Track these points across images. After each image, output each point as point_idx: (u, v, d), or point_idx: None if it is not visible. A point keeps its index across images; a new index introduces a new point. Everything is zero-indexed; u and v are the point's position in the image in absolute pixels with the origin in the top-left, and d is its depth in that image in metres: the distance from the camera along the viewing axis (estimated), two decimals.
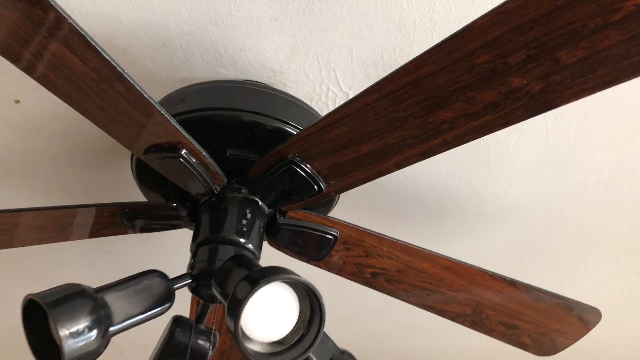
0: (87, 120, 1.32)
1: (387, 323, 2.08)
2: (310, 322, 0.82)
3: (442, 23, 1.07)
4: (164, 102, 1.13)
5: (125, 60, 1.18)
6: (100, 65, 0.81)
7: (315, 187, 1.01)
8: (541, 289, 1.29)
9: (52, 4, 0.73)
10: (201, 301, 1.09)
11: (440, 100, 0.84)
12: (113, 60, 0.81)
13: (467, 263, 1.24)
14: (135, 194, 1.54)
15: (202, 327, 1.07)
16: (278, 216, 1.14)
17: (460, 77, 0.80)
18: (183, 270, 1.84)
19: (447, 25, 1.08)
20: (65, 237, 1.19)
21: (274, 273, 0.77)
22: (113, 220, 1.14)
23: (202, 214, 1.08)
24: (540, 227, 1.55)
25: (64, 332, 0.80)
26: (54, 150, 1.43)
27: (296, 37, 1.11)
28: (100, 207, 1.11)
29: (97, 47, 0.78)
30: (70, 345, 0.80)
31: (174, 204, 1.12)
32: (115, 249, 1.85)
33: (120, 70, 0.82)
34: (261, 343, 0.81)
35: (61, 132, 1.38)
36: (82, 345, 0.81)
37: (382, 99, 0.86)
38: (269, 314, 0.80)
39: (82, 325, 0.82)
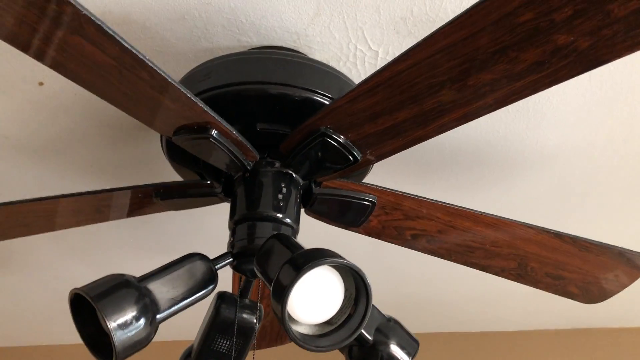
0: None
1: (426, 272, 2.08)
2: (356, 301, 0.80)
3: None
4: (188, 79, 1.09)
5: (144, 35, 1.15)
6: (120, 53, 0.78)
7: (350, 157, 0.98)
8: (587, 239, 1.25)
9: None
10: (243, 276, 1.09)
11: (480, 62, 0.78)
12: (133, 48, 0.77)
13: (510, 219, 1.21)
14: (166, 167, 1.53)
15: (247, 301, 1.07)
16: (313, 186, 1.11)
17: (501, 38, 0.75)
18: (220, 236, 1.86)
19: None
20: (103, 219, 1.20)
21: (317, 257, 0.75)
22: (149, 200, 1.14)
23: (237, 190, 1.06)
24: (583, 173, 1.50)
25: (112, 324, 0.80)
26: (82, 129, 1.42)
27: None
28: (135, 189, 1.11)
29: (115, 36, 0.75)
30: (120, 336, 0.80)
31: (208, 182, 1.10)
32: (152, 218, 1.87)
33: (141, 57, 0.78)
34: (309, 325, 0.81)
35: (88, 111, 1.37)
36: (131, 335, 0.82)
37: (417, 65, 0.81)
38: (314, 297, 0.78)
39: (129, 315, 0.82)
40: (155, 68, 0.80)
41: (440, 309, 2.35)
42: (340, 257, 0.78)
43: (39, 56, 0.79)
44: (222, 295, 1.06)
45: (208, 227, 1.86)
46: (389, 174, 1.52)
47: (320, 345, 0.78)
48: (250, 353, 1.14)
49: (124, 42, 0.76)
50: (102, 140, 1.46)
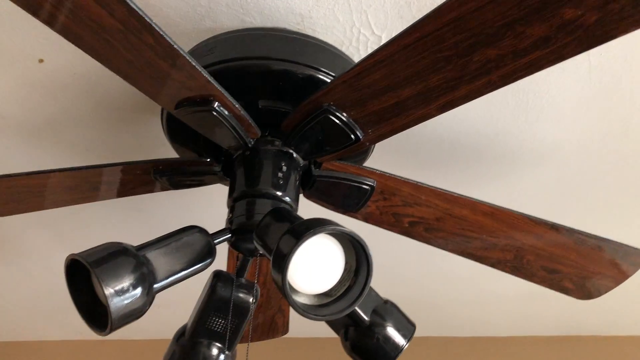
0: (112, 77, 1.30)
1: (421, 271, 2.08)
2: (356, 273, 0.80)
3: None
4: (192, 53, 1.09)
5: (148, 13, 1.14)
6: (128, 16, 0.77)
7: (352, 136, 0.98)
8: (584, 231, 1.26)
9: None
10: (240, 255, 1.08)
11: (487, 37, 0.79)
12: (141, 10, 0.77)
13: (507, 208, 1.21)
14: (164, 150, 1.52)
15: (243, 280, 1.06)
16: (313, 168, 1.11)
17: (508, 12, 0.75)
18: (213, 225, 1.85)
19: None
20: (98, 197, 1.18)
21: (317, 225, 0.75)
22: (146, 177, 1.13)
23: (237, 169, 1.06)
24: (581, 168, 1.51)
25: (109, 290, 0.79)
26: (80, 109, 1.41)
27: None
28: (132, 165, 1.10)
29: None
30: (116, 303, 0.79)
31: (208, 159, 1.10)
32: (145, 207, 1.85)
33: (148, 20, 0.78)
34: (308, 295, 0.80)
35: (87, 91, 1.36)
36: (127, 303, 0.81)
37: (423, 39, 0.81)
38: (314, 266, 0.78)
39: (126, 283, 0.81)
40: (161, 33, 0.80)
41: (431, 312, 2.35)
42: (342, 226, 0.77)
43: (48, 19, 0.79)
44: (218, 274, 1.05)
45: (203, 217, 1.85)
46: (387, 168, 1.51)
47: (320, 314, 0.77)
48: (244, 343, 1.13)
49: (132, 4, 0.76)
50: (100, 122, 1.45)
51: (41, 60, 1.29)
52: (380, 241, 1.75)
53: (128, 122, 1.45)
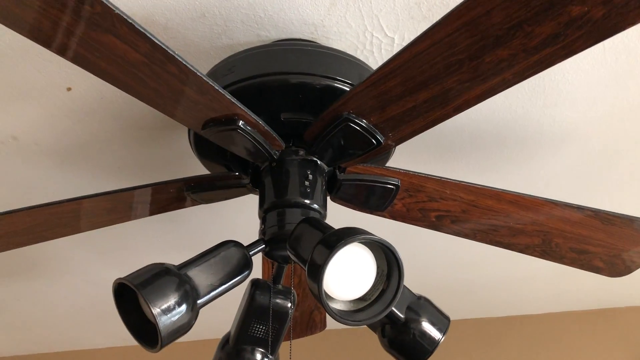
0: (136, 99, 1.36)
1: (449, 259, 2.10)
2: (388, 276, 0.83)
3: None
4: (213, 73, 1.13)
5: (167, 35, 1.18)
6: (151, 50, 0.81)
7: (374, 140, 1.01)
8: (610, 212, 1.27)
9: None
10: (275, 262, 1.13)
11: (497, 38, 0.81)
12: (163, 44, 0.81)
13: (531, 195, 1.23)
14: (192, 162, 1.57)
15: (280, 287, 1.11)
16: (338, 172, 1.14)
17: (516, 13, 0.77)
18: (245, 229, 1.89)
19: None
20: (133, 216, 1.24)
21: (348, 235, 0.78)
22: (178, 194, 1.18)
23: (265, 180, 1.10)
24: (603, 148, 1.51)
25: (156, 309, 0.84)
26: (109, 132, 1.47)
27: None
28: (165, 184, 1.14)
29: (146, 33, 0.79)
30: (164, 321, 0.84)
31: (236, 173, 1.14)
32: (178, 217, 1.91)
33: (171, 52, 0.82)
34: (344, 301, 0.84)
35: (114, 113, 1.41)
36: (175, 320, 0.86)
37: (435, 45, 0.84)
38: (348, 274, 0.81)
39: (172, 301, 0.86)
40: (184, 63, 0.84)
41: (464, 296, 2.37)
42: (371, 234, 0.81)
43: (74, 58, 0.83)
44: (256, 283, 1.10)
45: (235, 222, 1.90)
46: (410, 161, 1.54)
47: (356, 320, 0.81)
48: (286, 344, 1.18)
49: (154, 39, 0.80)
50: (129, 142, 1.50)
51: (69, 89, 1.34)
52: (408, 232, 1.78)
53: (156, 140, 1.50)
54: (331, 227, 0.88)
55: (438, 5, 1.12)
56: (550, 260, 1.38)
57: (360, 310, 0.83)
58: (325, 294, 0.80)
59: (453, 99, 0.92)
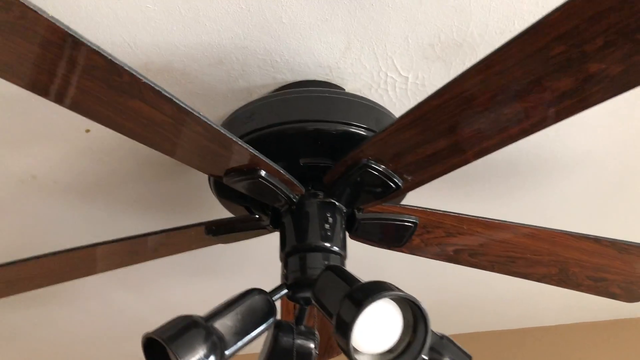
0: None
1: (462, 276, 2.11)
2: (415, 328, 0.85)
3: None
4: (234, 120, 1.15)
5: (185, 80, 1.20)
6: (177, 112, 0.83)
7: (392, 185, 1.02)
8: (626, 241, 1.28)
9: (126, 68, 0.75)
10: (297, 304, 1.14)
11: (515, 93, 0.82)
12: (188, 106, 0.83)
13: (548, 228, 1.24)
14: (210, 198, 1.59)
15: (303, 328, 1.12)
16: (356, 212, 1.16)
17: (534, 70, 0.78)
18: (264, 256, 1.90)
19: None
20: (159, 256, 1.26)
21: (376, 291, 0.80)
22: (201, 237, 1.20)
23: (286, 222, 1.11)
24: (614, 174, 1.52)
25: None
26: (127, 169, 1.49)
27: (349, 34, 1.10)
28: (188, 228, 1.16)
29: (173, 98, 0.81)
30: None
31: (257, 216, 1.16)
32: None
33: (196, 114, 0.84)
34: (372, 355, 0.86)
35: (132, 152, 1.43)
36: None
37: (453, 99, 0.85)
38: (376, 328, 0.83)
39: (200, 354, 0.88)
40: (209, 123, 0.86)
41: (480, 311, 2.38)
42: (397, 289, 0.82)
43: (103, 121, 0.85)
44: (278, 324, 1.11)
45: (251, 249, 1.92)
46: (423, 190, 1.55)
47: None
48: None
49: (180, 103, 0.82)
50: (147, 178, 1.52)
51: (88, 130, 1.36)
52: None
53: (173, 175, 1.52)
54: (356, 279, 0.89)
55: (451, 46, 1.14)
56: (567, 288, 1.39)
57: None
58: (354, 348, 0.81)
59: (472, 147, 0.93)
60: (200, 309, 1.02)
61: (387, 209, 1.17)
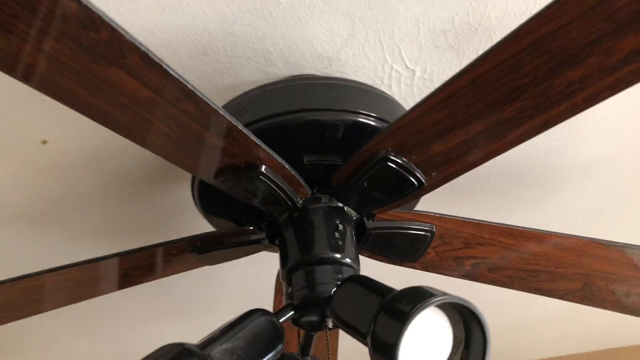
0: (123, 151, 1.20)
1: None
2: (467, 344, 0.69)
3: None
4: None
5: None
6: (165, 85, 0.67)
7: (415, 182, 0.88)
8: None
9: (105, 19, 0.59)
10: (302, 331, 0.97)
11: (570, 57, 0.70)
12: (181, 77, 0.67)
13: (576, 235, 1.12)
14: (181, 222, 1.41)
15: (309, 359, 0.94)
16: (366, 221, 1.00)
17: (595, 27, 0.66)
18: (238, 289, 1.72)
19: None
20: (133, 283, 1.06)
21: (421, 299, 0.64)
22: (182, 256, 1.01)
23: (286, 234, 0.95)
24: (624, 181, 1.43)
25: None
26: (88, 188, 1.30)
27: (354, 17, 0.97)
28: (168, 245, 0.98)
29: (162, 65, 0.65)
30: None
31: (250, 228, 0.99)
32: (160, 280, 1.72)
33: (190, 87, 0.68)
34: None
35: (95, 168, 1.25)
36: None
37: (496, 68, 0.72)
38: (422, 345, 0.67)
39: None
40: (205, 100, 0.70)
41: None
42: (446, 293, 0.66)
43: (74, 102, 0.68)
44: (282, 356, 0.93)
45: (225, 283, 1.72)
46: (427, 203, 1.42)
47: None
48: None
49: (171, 71, 0.66)
50: (110, 199, 1.33)
51: (45, 142, 1.18)
52: (414, 278, 1.65)
53: (140, 196, 1.34)
54: (388, 287, 0.73)
55: (465, 32, 1.02)
56: (591, 305, 1.26)
57: None
58: None
59: (510, 130, 0.80)
60: None
61: (401, 216, 1.02)
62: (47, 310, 1.14)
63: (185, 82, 0.67)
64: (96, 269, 1.01)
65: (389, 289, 0.72)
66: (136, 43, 0.62)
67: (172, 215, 1.38)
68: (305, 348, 0.95)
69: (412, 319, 0.63)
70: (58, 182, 1.28)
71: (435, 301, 0.64)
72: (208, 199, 1.02)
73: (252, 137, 0.77)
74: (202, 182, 1.01)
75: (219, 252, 1.01)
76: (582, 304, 1.25)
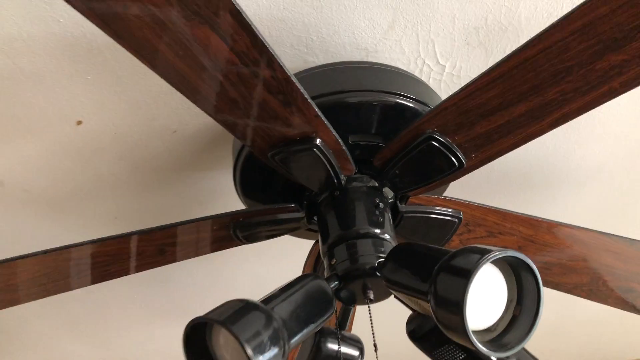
0: (155, 136, 1.23)
1: None
2: (519, 301, 0.73)
3: None
4: None
5: None
6: (249, 47, 0.71)
7: (456, 162, 0.93)
8: None
9: None
10: (339, 306, 1.00)
11: (614, 42, 0.77)
12: (265, 41, 0.71)
13: (587, 228, 1.18)
14: (203, 209, 1.43)
15: (347, 334, 0.97)
16: (399, 204, 1.05)
17: None
18: (245, 285, 1.73)
19: None
20: (169, 260, 1.08)
21: (480, 255, 0.68)
22: (224, 233, 1.04)
23: (327, 212, 0.99)
24: (627, 185, 1.51)
25: (249, 350, 0.69)
26: (114, 174, 1.31)
27: (396, 9, 1.04)
28: (211, 220, 1.01)
29: (251, 25, 0.69)
30: None
31: (292, 205, 1.02)
32: (154, 276, 1.72)
33: (272, 51, 0.72)
34: (480, 332, 0.73)
35: (124, 152, 1.27)
36: None
37: (546, 50, 0.78)
38: (483, 301, 0.71)
39: (264, 338, 0.72)
40: (281, 65, 0.74)
41: None
42: (500, 249, 0.71)
43: (150, 55, 0.72)
44: (320, 330, 0.96)
45: (234, 281, 1.73)
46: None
47: (503, 349, 0.69)
48: None
49: (259, 34, 0.70)
50: (134, 186, 1.35)
51: (79, 122, 1.19)
52: None
53: (166, 183, 1.36)
54: (441, 248, 0.77)
55: (496, 31, 1.10)
56: (595, 300, 1.32)
57: (495, 341, 0.72)
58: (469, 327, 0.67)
59: (551, 113, 0.86)
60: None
61: (432, 200, 1.07)
62: (79, 287, 1.13)
63: (268, 46, 0.72)
64: (132, 242, 1.02)
65: (443, 250, 0.76)
66: (234, 2, 0.66)
67: (198, 204, 1.40)
68: (342, 322, 0.98)
69: (475, 274, 0.67)
70: (86, 166, 1.29)
71: (494, 256, 0.69)
72: (250, 179, 1.05)
73: (315, 108, 0.82)
74: (243, 167, 1.05)
75: (259, 229, 1.04)
76: (587, 298, 1.31)
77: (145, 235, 1.02)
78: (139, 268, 1.09)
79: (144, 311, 1.86)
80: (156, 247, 1.06)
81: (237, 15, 0.67)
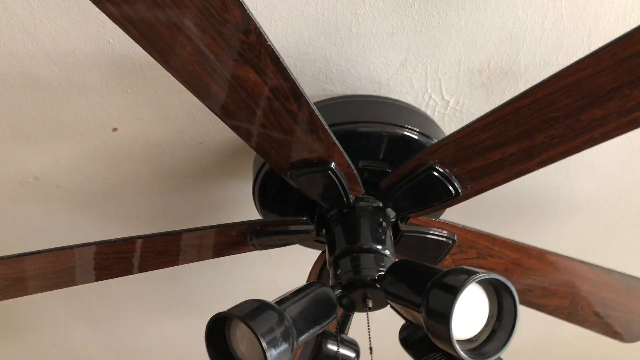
0: (183, 145, 1.35)
1: None
2: (499, 317, 0.85)
3: (551, 30, 1.13)
4: None
5: None
6: (282, 84, 0.83)
7: (453, 191, 1.05)
8: (634, 276, 1.35)
9: (259, 27, 0.75)
10: (340, 312, 1.11)
11: (596, 99, 0.89)
12: (296, 79, 0.83)
13: (569, 256, 1.30)
14: (222, 218, 1.55)
15: (345, 337, 1.09)
16: (400, 223, 1.17)
17: (620, 77, 0.85)
18: (249, 290, 1.84)
19: (555, 32, 1.14)
20: (190, 260, 1.19)
21: (467, 275, 0.80)
22: (241, 239, 1.16)
23: (334, 227, 1.11)
24: (609, 218, 1.63)
25: (264, 343, 0.81)
26: (143, 178, 1.43)
27: (409, 50, 1.16)
28: (228, 227, 1.13)
29: (286, 68, 0.81)
30: (272, 354, 0.81)
31: (304, 218, 1.14)
32: (166, 274, 1.83)
33: (300, 89, 0.84)
34: (462, 341, 0.84)
35: (154, 159, 1.39)
36: (279, 357, 0.83)
37: (537, 102, 0.90)
38: (468, 314, 0.83)
39: (277, 334, 0.84)
40: (307, 100, 0.86)
41: None
42: (485, 271, 0.83)
43: (198, 87, 0.84)
44: (323, 333, 1.08)
45: (238, 284, 1.85)
46: None
47: (486, 354, 0.81)
48: None
49: (291, 74, 0.82)
50: (159, 189, 1.47)
51: (115, 129, 1.31)
52: None
53: (187, 189, 1.48)
54: (435, 267, 0.89)
55: (497, 74, 1.22)
56: (572, 323, 1.44)
57: (476, 350, 0.84)
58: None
59: (539, 154, 0.98)
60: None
61: (430, 222, 1.19)
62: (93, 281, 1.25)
63: (298, 84, 0.84)
64: (158, 243, 1.14)
65: (436, 269, 0.88)
66: (274, 48, 0.78)
67: (215, 210, 1.52)
68: (342, 326, 1.10)
69: (462, 291, 0.79)
70: (116, 169, 1.41)
71: (479, 277, 0.81)
72: (267, 193, 1.17)
73: (332, 137, 0.94)
74: (263, 181, 1.17)
75: (272, 237, 1.15)
76: (566, 320, 1.43)
77: (170, 237, 1.14)
78: (162, 265, 1.21)
79: (154, 305, 1.97)
80: (179, 248, 1.18)
81: (276, 60, 0.79)
